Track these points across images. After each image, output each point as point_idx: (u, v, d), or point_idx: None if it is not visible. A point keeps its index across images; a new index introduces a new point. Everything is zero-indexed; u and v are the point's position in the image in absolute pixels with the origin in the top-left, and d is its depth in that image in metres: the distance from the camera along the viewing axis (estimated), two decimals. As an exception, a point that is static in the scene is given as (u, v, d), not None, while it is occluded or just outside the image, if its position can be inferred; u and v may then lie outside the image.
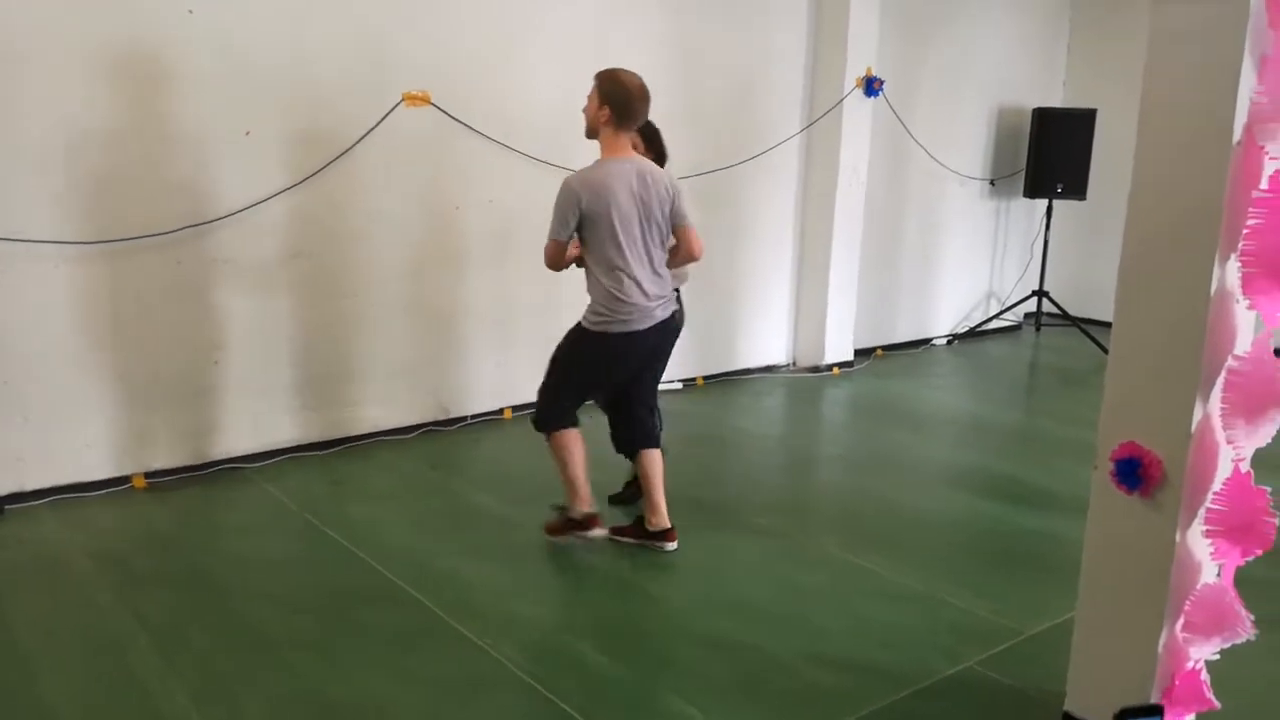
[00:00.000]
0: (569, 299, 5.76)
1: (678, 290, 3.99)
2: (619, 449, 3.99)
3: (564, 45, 5.55)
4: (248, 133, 4.55)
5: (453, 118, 5.14)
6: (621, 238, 3.59)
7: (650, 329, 3.70)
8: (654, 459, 3.92)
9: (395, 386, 5.26)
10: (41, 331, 4.19)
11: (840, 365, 7.14)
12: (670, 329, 3.82)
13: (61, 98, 4.08)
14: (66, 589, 3.51)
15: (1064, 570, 3.48)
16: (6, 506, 4.16)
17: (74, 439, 4.33)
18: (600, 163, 3.64)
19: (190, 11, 4.32)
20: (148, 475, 4.52)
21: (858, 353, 7.38)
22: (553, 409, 3.83)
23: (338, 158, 4.81)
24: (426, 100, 5.05)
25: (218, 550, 3.90)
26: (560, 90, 5.49)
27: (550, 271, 3.79)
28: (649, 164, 3.69)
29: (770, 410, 6.22)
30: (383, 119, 4.91)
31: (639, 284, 3.64)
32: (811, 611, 3.47)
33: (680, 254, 3.80)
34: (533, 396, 3.89)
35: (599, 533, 3.92)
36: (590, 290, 3.72)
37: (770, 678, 3.04)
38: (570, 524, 3.92)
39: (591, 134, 3.68)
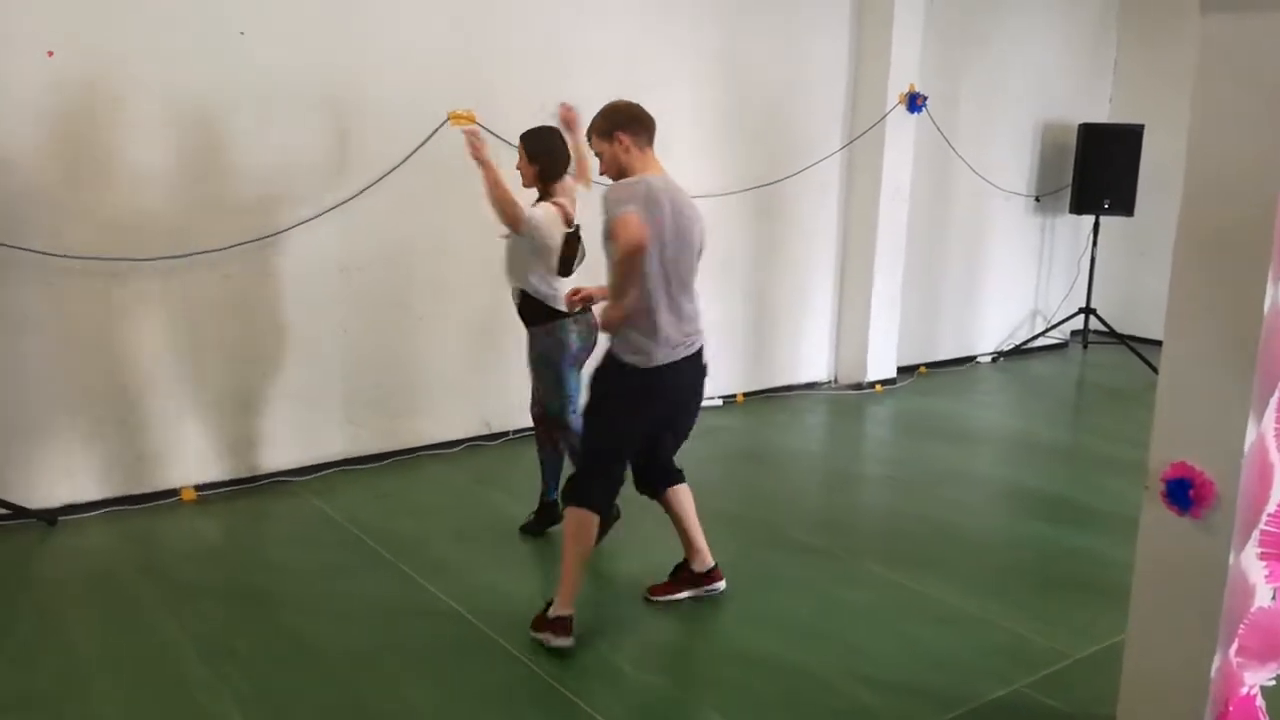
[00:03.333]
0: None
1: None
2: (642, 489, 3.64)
3: (607, 64, 5.58)
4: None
5: (498, 136, 5.19)
6: (670, 260, 3.20)
7: (683, 361, 3.30)
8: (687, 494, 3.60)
9: (441, 401, 5.31)
10: (92, 346, 4.29)
11: (883, 382, 7.08)
12: (702, 366, 3.42)
13: (114, 119, 4.19)
14: (117, 600, 3.58)
15: (1113, 592, 3.43)
16: (60, 518, 4.25)
17: (124, 451, 4.42)
18: (645, 176, 3.23)
19: (242, 33, 4.42)
20: (197, 488, 4.60)
21: (900, 370, 7.32)
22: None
23: (384, 176, 4.88)
24: (472, 119, 5.10)
25: (265, 563, 3.96)
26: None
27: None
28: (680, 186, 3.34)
29: (812, 428, 6.19)
30: (429, 138, 4.97)
31: (679, 313, 3.27)
32: (856, 631, 3.45)
33: None
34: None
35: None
36: (632, 319, 3.21)
37: (814, 697, 3.02)
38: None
39: (620, 174, 3.29)
